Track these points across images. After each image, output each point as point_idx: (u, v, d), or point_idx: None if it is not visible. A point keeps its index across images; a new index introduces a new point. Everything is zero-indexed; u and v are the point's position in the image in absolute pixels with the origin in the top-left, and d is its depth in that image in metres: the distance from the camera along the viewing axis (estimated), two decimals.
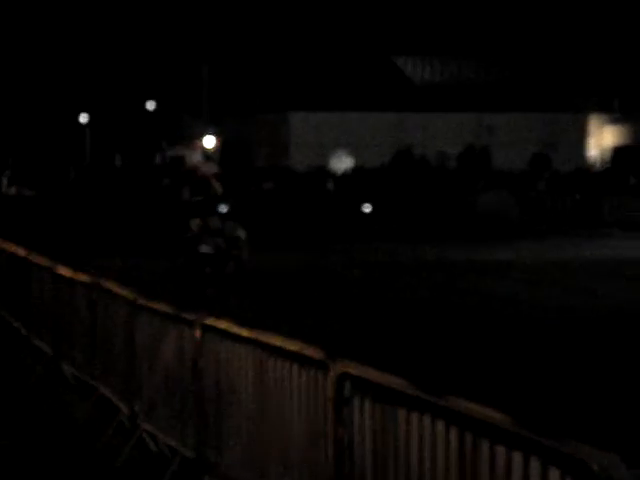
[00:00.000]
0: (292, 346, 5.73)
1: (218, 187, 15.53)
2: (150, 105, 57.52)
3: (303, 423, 5.66)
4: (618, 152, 51.78)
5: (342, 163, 48.66)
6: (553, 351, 11.79)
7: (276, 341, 5.93)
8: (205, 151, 52.54)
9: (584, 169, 47.86)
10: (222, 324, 6.65)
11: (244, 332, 6.31)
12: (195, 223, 15.19)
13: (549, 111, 52.95)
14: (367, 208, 39.62)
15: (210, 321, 6.81)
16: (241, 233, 15.43)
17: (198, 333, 6.92)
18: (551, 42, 55.97)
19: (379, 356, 9.68)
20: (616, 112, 54.44)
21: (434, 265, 22.74)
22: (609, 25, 55.62)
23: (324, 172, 45.62)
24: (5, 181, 45.60)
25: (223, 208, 15.29)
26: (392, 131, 50.46)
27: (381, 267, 22.44)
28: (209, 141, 53.12)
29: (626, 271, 21.18)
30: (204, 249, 15.23)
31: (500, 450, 4.14)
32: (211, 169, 16.32)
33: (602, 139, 54.09)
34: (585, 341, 12.47)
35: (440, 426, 4.52)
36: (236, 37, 56.39)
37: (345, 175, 45.23)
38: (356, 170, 46.41)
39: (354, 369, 5.14)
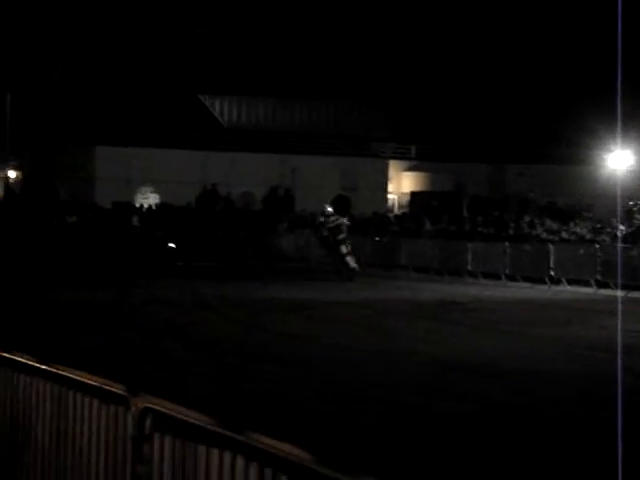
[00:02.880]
0: (93, 381, 5.64)
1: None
2: None
3: (102, 460, 5.57)
4: (415, 197, 53.41)
5: (147, 199, 48.33)
6: (352, 388, 12.01)
7: (76, 375, 5.82)
8: (7, 182, 51.18)
9: (382, 213, 49.11)
10: (18, 357, 6.48)
11: (43, 366, 6.17)
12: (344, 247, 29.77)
13: (350, 155, 54.16)
14: (171, 244, 39.57)
15: (5, 354, 6.62)
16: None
17: None
18: (353, 90, 57.30)
19: (182, 392, 9.62)
20: (413, 159, 56.26)
21: (237, 303, 22.85)
22: (407, 75, 57.42)
23: (130, 207, 45.21)
24: None
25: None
26: (198, 169, 50.40)
27: (184, 305, 22.36)
28: (11, 173, 51.78)
29: (420, 311, 21.92)
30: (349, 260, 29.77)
31: None
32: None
33: (400, 184, 55.68)
34: (382, 381, 12.76)
35: (240, 462, 4.54)
36: (42, 68, 55.32)
37: (150, 211, 44.93)
38: (161, 207, 46.26)
39: (156, 404, 5.10)
